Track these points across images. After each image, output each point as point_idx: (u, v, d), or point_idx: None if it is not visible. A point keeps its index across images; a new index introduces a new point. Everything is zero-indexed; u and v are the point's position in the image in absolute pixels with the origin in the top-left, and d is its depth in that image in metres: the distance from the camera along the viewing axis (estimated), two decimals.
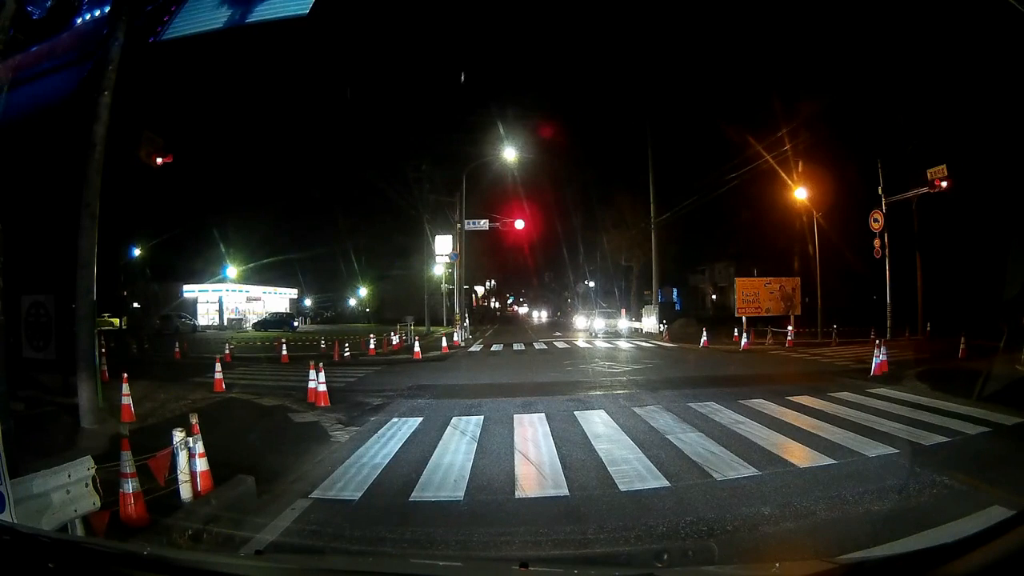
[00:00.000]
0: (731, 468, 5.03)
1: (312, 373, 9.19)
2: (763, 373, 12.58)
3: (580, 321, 33.90)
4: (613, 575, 2.91)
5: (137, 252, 43.25)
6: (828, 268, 25.20)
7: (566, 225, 45.53)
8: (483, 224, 24.13)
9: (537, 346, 20.92)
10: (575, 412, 7.53)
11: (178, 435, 4.55)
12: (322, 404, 8.88)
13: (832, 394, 8.95)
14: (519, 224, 24.24)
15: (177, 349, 19.08)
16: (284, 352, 16.76)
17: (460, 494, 4.66)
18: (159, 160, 16.81)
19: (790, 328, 21.26)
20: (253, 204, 43.23)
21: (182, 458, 4.54)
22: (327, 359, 16.94)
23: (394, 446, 6.16)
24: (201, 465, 4.67)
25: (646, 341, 22.86)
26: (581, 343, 21.63)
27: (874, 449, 5.66)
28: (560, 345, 21.03)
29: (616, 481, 4.73)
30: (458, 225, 24.10)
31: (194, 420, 4.74)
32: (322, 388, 8.98)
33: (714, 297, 50.93)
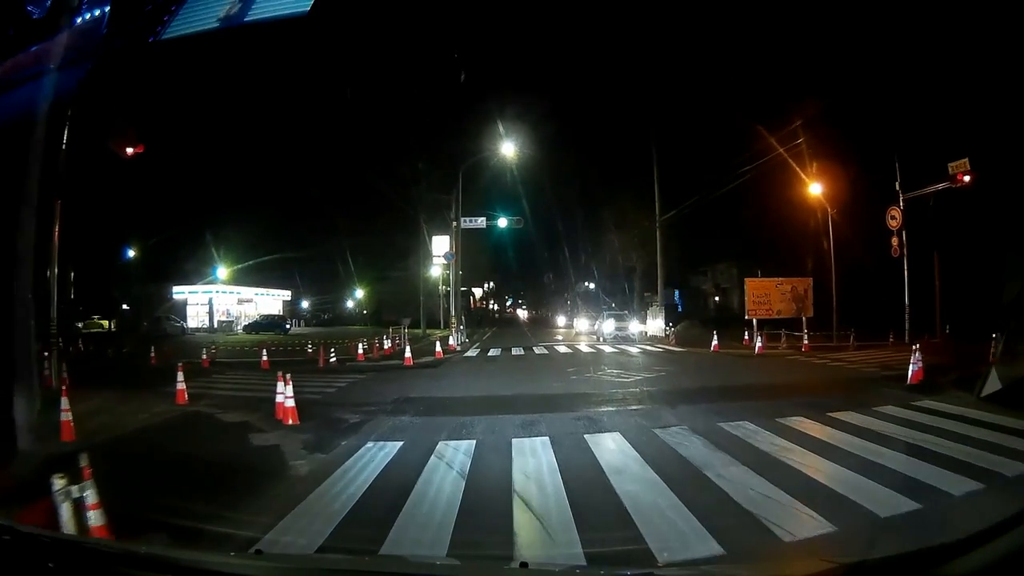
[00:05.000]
0: (797, 521, 3.83)
1: (280, 385, 7.97)
2: (789, 382, 11.41)
3: (582, 324, 32.50)
4: (614, 575, 2.85)
5: (131, 254, 42.37)
6: (837, 268, 24.14)
7: (566, 226, 44.52)
8: (480, 222, 22.93)
9: (537, 351, 19.72)
10: (585, 435, 6.31)
11: (58, 482, 3.39)
12: (290, 422, 7.68)
13: (876, 408, 7.82)
14: (518, 223, 23.08)
15: (153, 354, 17.81)
16: (264, 358, 15.52)
17: (441, 553, 3.49)
18: (129, 150, 15.64)
19: (805, 331, 20.11)
20: (249, 205, 42.08)
21: (65, 511, 3.38)
22: (312, 365, 15.78)
23: (364, 482, 4.95)
24: (95, 519, 3.49)
25: (652, 345, 21.68)
26: (584, 347, 20.45)
27: (958, 485, 4.52)
28: (562, 350, 19.83)
29: (649, 543, 3.50)
30: (454, 223, 22.92)
31: (84, 463, 3.54)
32: (290, 403, 7.77)
33: (716, 299, 49.83)
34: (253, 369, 15.24)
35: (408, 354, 15.24)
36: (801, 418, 7.18)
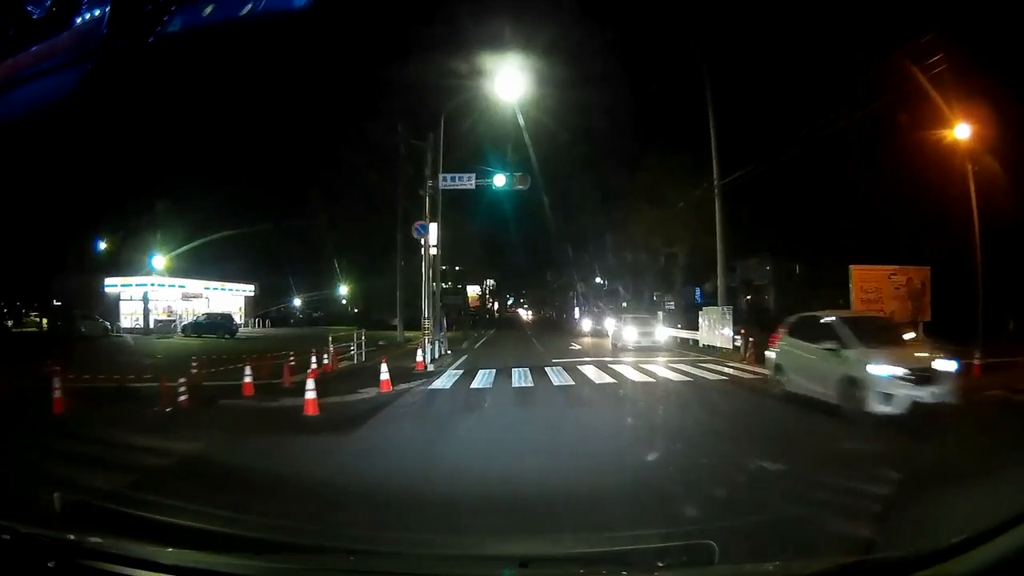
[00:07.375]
0: None
1: None
2: None
3: (631, 332, 20.74)
4: (614, 574, 2.59)
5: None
6: (922, 254, 17.96)
7: (581, 209, 37.35)
8: (468, 181, 15.74)
9: (554, 377, 12.20)
10: None
11: None
12: None
13: None
14: (521, 181, 15.86)
15: None
16: (58, 394, 8.28)
17: None
18: None
19: (977, 348, 12.90)
20: (243, 200, 35.77)
21: None
22: (150, 405, 8.69)
23: None
24: None
25: (720, 363, 14.51)
26: (628, 370, 13.02)
27: None
28: (593, 377, 12.17)
29: None
30: (430, 183, 15.74)
31: None
32: None
33: (748, 297, 43.28)
34: (38, 410, 8.15)
35: (311, 393, 7.94)
36: None
